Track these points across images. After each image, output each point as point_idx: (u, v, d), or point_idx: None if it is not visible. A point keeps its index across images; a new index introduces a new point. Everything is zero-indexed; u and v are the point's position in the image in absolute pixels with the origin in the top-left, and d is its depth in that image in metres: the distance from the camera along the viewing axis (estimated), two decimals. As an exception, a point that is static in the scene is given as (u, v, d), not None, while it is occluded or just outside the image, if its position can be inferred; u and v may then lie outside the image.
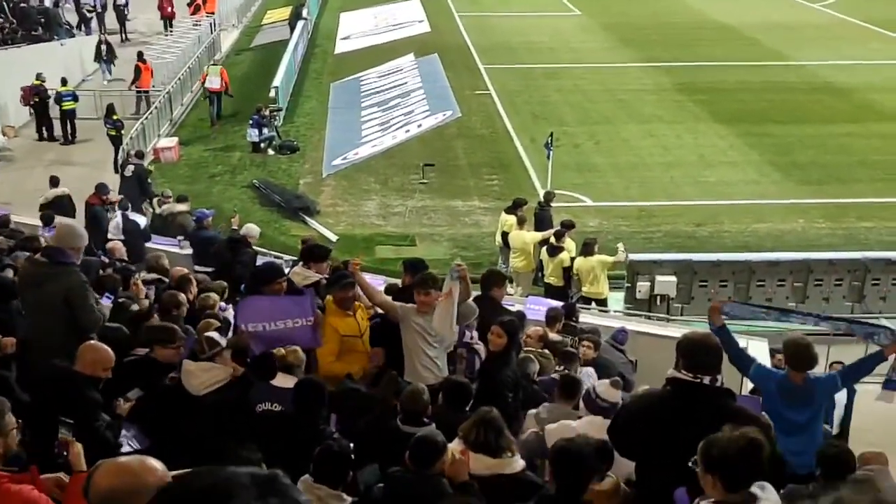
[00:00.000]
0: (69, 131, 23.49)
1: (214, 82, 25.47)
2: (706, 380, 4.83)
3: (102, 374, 5.55)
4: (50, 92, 23.28)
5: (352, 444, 5.29)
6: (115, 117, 21.65)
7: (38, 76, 23.22)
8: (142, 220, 14.18)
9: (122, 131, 21.60)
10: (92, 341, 5.87)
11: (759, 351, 11.03)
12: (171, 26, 33.95)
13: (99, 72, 28.36)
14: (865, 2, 40.21)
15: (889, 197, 19.32)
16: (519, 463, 5.18)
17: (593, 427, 5.90)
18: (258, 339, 6.36)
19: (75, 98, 23.61)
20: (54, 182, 16.90)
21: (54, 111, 23.50)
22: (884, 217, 18.47)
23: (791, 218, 18.51)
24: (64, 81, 23.67)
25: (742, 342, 11.05)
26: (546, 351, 9.23)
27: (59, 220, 12.21)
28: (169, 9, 34.37)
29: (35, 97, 23.36)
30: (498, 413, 5.38)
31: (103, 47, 28.17)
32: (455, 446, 5.01)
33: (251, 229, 13.06)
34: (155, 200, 16.91)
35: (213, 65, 27.14)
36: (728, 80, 28.38)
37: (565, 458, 4.55)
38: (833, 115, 24.90)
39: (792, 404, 6.57)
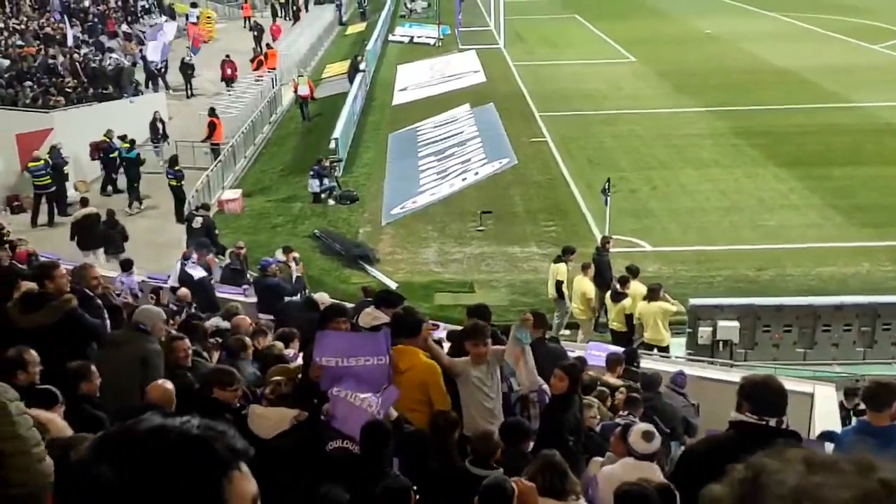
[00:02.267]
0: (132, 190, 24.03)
1: (304, 90, 31.91)
2: (772, 422, 4.79)
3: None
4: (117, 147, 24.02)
5: (415, 486, 5.36)
6: (176, 168, 22.30)
7: (107, 133, 24.02)
8: (198, 273, 14.45)
9: (184, 182, 22.22)
10: (158, 380, 6.23)
11: (827, 396, 10.88)
12: (231, 86, 34.83)
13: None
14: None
15: (957, 239, 18.91)
16: None
17: (625, 469, 5.91)
18: (329, 375, 6.44)
19: (138, 160, 23.82)
20: (84, 203, 19.40)
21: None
22: (952, 259, 18.07)
23: (855, 261, 18.21)
24: (126, 140, 24.11)
25: (809, 388, 11.01)
26: (590, 398, 9.19)
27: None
28: (230, 71, 35.28)
29: (100, 152, 24.13)
30: (560, 457, 5.42)
31: (159, 125, 26.74)
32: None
33: (323, 297, 12.94)
34: (228, 252, 17.24)
35: (301, 76, 33.28)
36: (786, 123, 28.19)
37: (631, 501, 4.57)
38: (895, 157, 24.53)
39: (870, 450, 6.41)
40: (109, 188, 24.45)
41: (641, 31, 46.73)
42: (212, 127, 26.67)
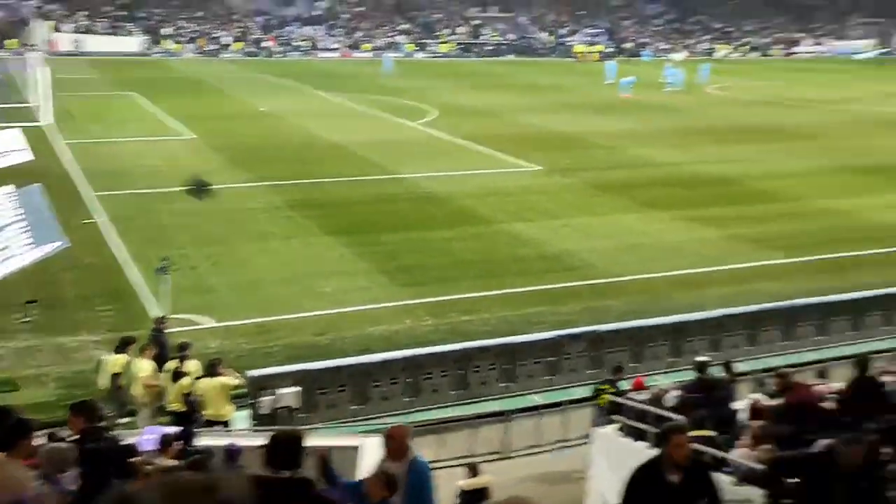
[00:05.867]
0: None
1: None
2: (287, 474, 5.15)
3: None
4: None
5: None
6: None
7: None
8: None
9: None
10: None
11: (373, 446, 11.62)
12: None
13: None
14: (457, 120, 45.12)
15: (484, 291, 21.45)
16: None
17: None
18: None
19: None
20: None
21: None
22: (481, 309, 20.41)
23: (400, 319, 19.81)
24: None
25: (356, 441, 11.75)
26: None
27: None
28: None
29: None
30: None
31: None
32: None
33: None
34: None
35: None
36: (337, 194, 30.08)
37: None
38: (434, 222, 27.28)
39: None
40: None
41: (199, 108, 47.14)
42: None
